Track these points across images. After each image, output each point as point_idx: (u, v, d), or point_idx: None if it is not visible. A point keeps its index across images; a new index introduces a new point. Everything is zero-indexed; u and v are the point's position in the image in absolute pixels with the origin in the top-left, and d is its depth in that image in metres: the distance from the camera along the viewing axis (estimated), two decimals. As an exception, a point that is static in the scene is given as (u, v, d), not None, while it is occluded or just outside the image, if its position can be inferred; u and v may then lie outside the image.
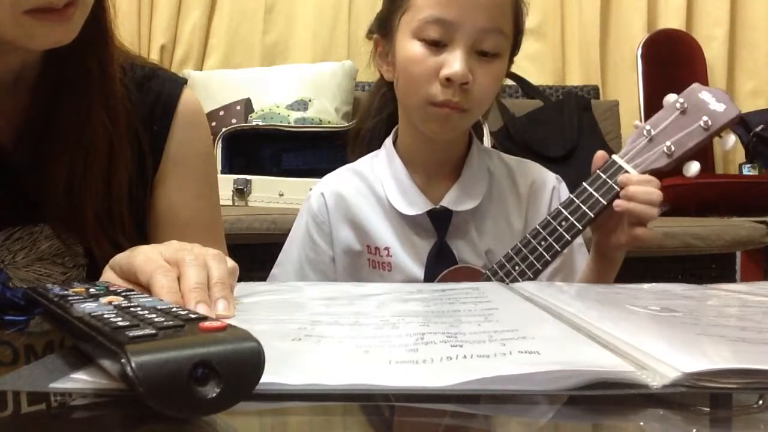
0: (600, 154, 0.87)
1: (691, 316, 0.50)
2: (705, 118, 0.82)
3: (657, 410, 0.33)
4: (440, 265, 0.92)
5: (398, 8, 0.90)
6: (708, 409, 0.34)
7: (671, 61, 2.45)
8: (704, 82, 2.46)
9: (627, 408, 0.33)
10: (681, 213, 1.83)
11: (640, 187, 0.82)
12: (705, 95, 0.83)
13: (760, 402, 0.33)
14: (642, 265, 1.65)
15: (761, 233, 1.72)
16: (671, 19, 2.54)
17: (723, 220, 1.85)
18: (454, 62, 0.84)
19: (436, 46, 0.86)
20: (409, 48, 0.88)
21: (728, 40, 2.54)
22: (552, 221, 0.85)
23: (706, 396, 0.33)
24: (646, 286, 0.70)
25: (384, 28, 0.94)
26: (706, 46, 2.50)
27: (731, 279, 1.82)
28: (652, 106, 2.40)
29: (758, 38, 2.55)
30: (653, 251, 1.64)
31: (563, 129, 2.13)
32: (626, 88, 2.50)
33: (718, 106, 0.82)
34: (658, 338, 0.41)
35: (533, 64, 2.47)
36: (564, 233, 0.84)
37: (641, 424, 0.33)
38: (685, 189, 1.83)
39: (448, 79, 0.85)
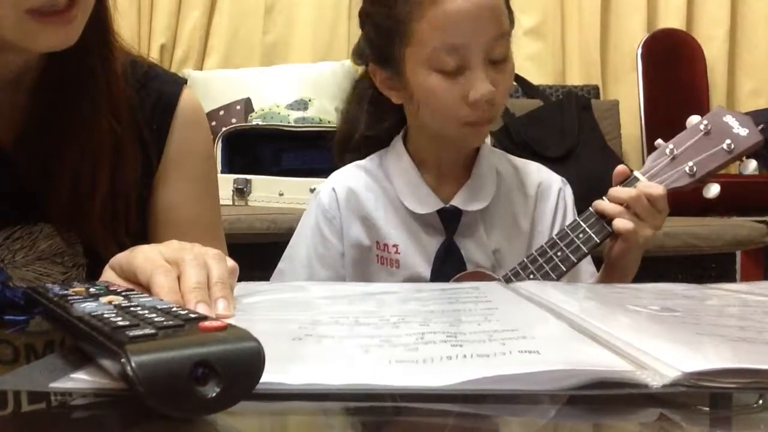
0: (622, 169, 0.88)
1: (691, 316, 0.50)
2: (728, 141, 0.83)
3: (657, 410, 0.33)
4: (448, 264, 0.92)
5: (396, 41, 0.87)
6: (708, 408, 0.34)
7: (671, 61, 2.45)
8: (704, 82, 2.47)
9: (627, 408, 0.33)
10: (681, 213, 1.83)
11: (617, 189, 0.86)
12: (729, 119, 0.84)
13: (760, 402, 0.33)
14: (642, 265, 1.64)
15: (761, 233, 1.72)
16: (671, 18, 2.54)
17: (723, 219, 1.85)
18: (479, 84, 0.84)
19: (453, 71, 0.85)
20: (428, 81, 0.86)
21: (728, 40, 2.53)
22: (570, 233, 0.86)
23: (706, 396, 0.33)
24: (646, 285, 0.70)
25: (383, 59, 0.91)
26: (707, 46, 2.50)
27: (731, 279, 1.82)
28: (653, 106, 2.40)
29: (758, 38, 2.55)
30: (653, 251, 1.64)
31: (563, 129, 2.13)
32: (626, 87, 2.50)
33: (742, 131, 0.83)
34: (658, 338, 0.41)
35: (533, 63, 2.47)
36: (581, 245, 0.85)
37: (641, 424, 0.33)
38: (685, 189, 1.83)
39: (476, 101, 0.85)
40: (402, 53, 0.88)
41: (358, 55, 0.97)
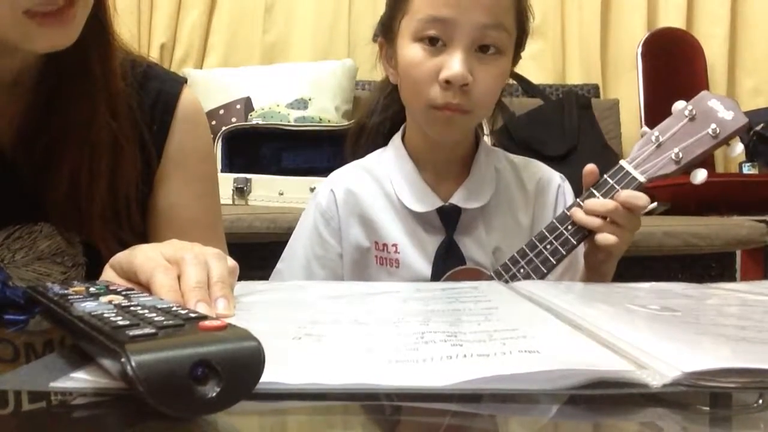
0: (591, 168, 0.87)
1: (691, 316, 0.51)
2: (713, 125, 0.82)
3: (657, 410, 0.33)
4: (448, 263, 0.92)
5: (398, 11, 0.90)
6: (708, 408, 0.34)
7: (671, 59, 2.45)
8: (704, 81, 2.47)
9: (627, 408, 0.33)
10: (681, 212, 1.83)
11: (593, 201, 0.84)
12: (713, 103, 0.84)
13: (760, 401, 0.33)
14: (642, 265, 1.65)
15: (761, 232, 1.72)
16: (671, 17, 2.54)
17: (723, 219, 1.85)
18: (452, 63, 0.84)
19: (435, 45, 0.86)
20: (409, 51, 0.88)
21: (728, 39, 2.53)
22: (559, 225, 0.86)
23: (706, 395, 0.33)
24: (646, 285, 0.70)
25: (387, 32, 0.94)
26: (707, 45, 2.50)
27: (731, 278, 1.82)
28: (653, 104, 2.40)
29: (758, 37, 2.55)
30: (653, 251, 1.64)
31: (563, 128, 2.13)
32: (626, 86, 2.50)
33: (727, 114, 0.83)
34: (658, 337, 0.41)
35: (533, 62, 2.47)
36: (570, 237, 0.85)
37: (641, 423, 0.33)
38: (685, 188, 1.83)
39: (447, 81, 0.84)
40: (399, 25, 0.90)
41: (375, 32, 0.99)
